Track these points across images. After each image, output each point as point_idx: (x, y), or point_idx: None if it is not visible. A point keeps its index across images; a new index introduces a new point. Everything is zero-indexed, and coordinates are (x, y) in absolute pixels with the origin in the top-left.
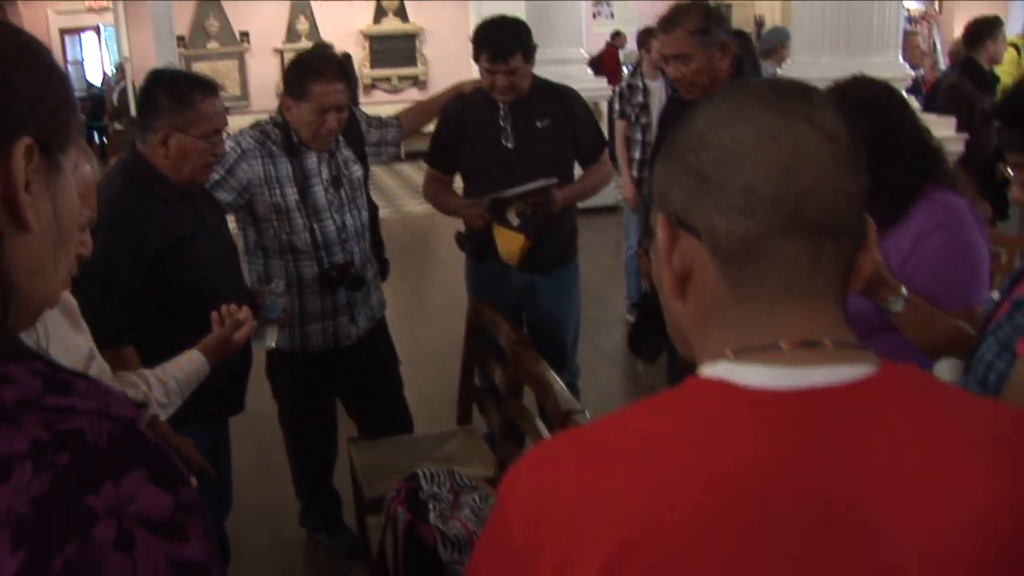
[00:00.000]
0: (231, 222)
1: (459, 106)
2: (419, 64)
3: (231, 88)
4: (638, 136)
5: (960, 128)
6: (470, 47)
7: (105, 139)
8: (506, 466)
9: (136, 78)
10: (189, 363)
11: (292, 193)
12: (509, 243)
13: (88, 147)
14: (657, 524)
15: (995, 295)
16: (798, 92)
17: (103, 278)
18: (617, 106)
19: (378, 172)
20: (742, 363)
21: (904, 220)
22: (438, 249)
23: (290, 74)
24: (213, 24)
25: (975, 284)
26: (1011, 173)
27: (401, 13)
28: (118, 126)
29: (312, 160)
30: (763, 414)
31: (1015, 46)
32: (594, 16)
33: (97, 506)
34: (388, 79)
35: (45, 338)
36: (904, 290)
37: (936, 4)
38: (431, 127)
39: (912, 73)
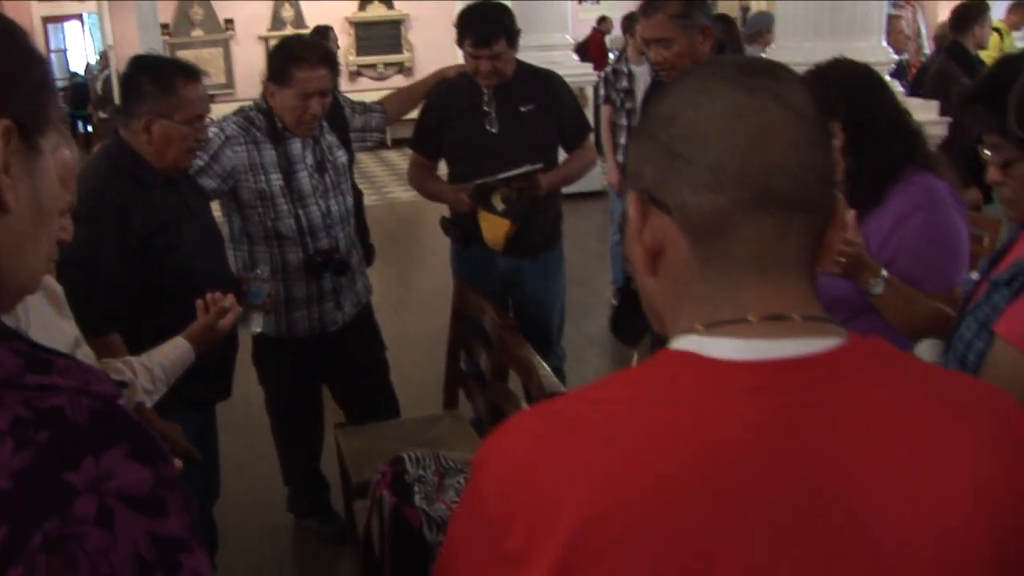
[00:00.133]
0: (216, 209)
1: (443, 91)
2: (405, 51)
3: (216, 76)
4: (623, 121)
5: (944, 112)
6: (455, 33)
7: (90, 128)
8: None
9: (120, 66)
10: (174, 350)
11: (277, 179)
12: (494, 228)
13: (68, 132)
14: (621, 496)
15: (974, 276)
16: (766, 70)
17: (88, 265)
18: (602, 91)
19: (364, 159)
20: (711, 336)
21: (884, 202)
22: (424, 236)
23: (273, 60)
24: (198, 12)
25: (955, 265)
26: (988, 154)
27: (387, 0)
28: (102, 115)
29: (296, 146)
30: (729, 385)
31: (998, 30)
32: (580, 1)
33: (77, 482)
34: (374, 66)
35: (26, 324)
36: (885, 272)
37: None
38: (416, 113)
39: (896, 57)
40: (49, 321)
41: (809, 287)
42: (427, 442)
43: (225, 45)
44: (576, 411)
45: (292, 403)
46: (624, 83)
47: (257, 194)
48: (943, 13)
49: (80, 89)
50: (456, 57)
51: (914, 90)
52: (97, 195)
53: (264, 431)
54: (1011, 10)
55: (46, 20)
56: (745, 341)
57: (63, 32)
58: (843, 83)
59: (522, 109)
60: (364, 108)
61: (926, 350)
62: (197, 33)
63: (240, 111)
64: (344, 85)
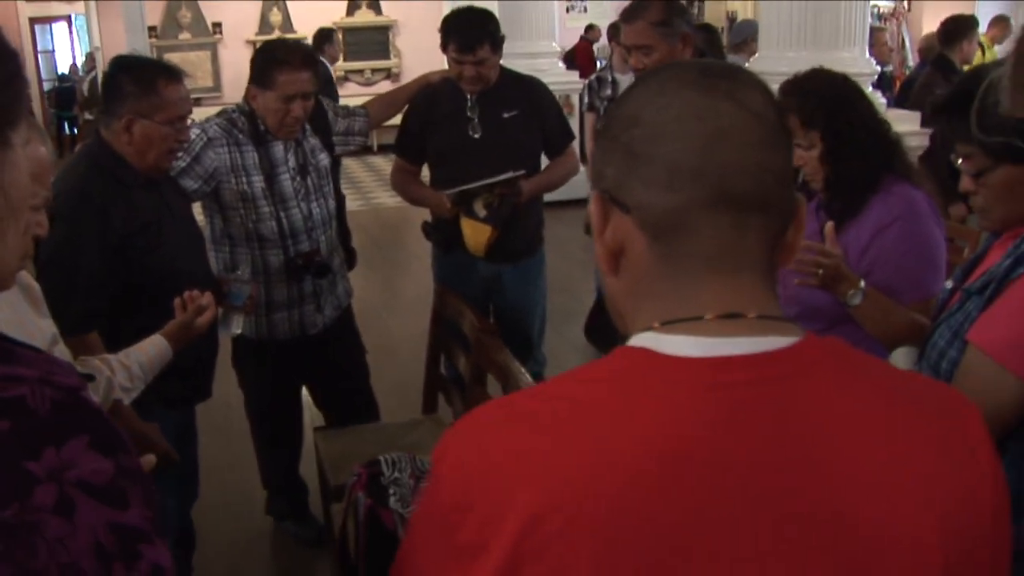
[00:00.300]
0: (198, 210)
1: (427, 96)
2: (392, 56)
3: (203, 79)
4: None
5: (925, 123)
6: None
7: (76, 129)
8: None
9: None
10: (152, 347)
11: (259, 181)
12: (476, 234)
13: (43, 128)
14: (568, 490)
15: (948, 284)
16: (724, 73)
17: (67, 264)
18: (586, 99)
19: (350, 164)
20: (667, 333)
21: (862, 213)
22: (409, 241)
23: (256, 63)
24: (185, 15)
25: (932, 275)
26: (960, 164)
27: (374, 5)
28: (88, 116)
29: (279, 149)
30: (681, 380)
31: (980, 45)
32: (568, 10)
33: (38, 471)
34: (361, 72)
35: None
36: (862, 283)
37: (905, 2)
38: (400, 117)
39: (878, 69)
40: (26, 319)
41: (767, 286)
42: (406, 446)
43: (213, 48)
44: (531, 406)
45: (271, 406)
46: (608, 91)
47: (239, 196)
48: (927, 26)
49: (67, 91)
50: (444, 63)
51: (899, 102)
52: (77, 194)
53: (244, 434)
54: (992, 23)
55: (33, 21)
56: (700, 338)
57: (51, 33)
58: (820, 93)
59: (505, 115)
60: (347, 112)
61: (900, 358)
62: (185, 36)
63: (222, 113)
64: None
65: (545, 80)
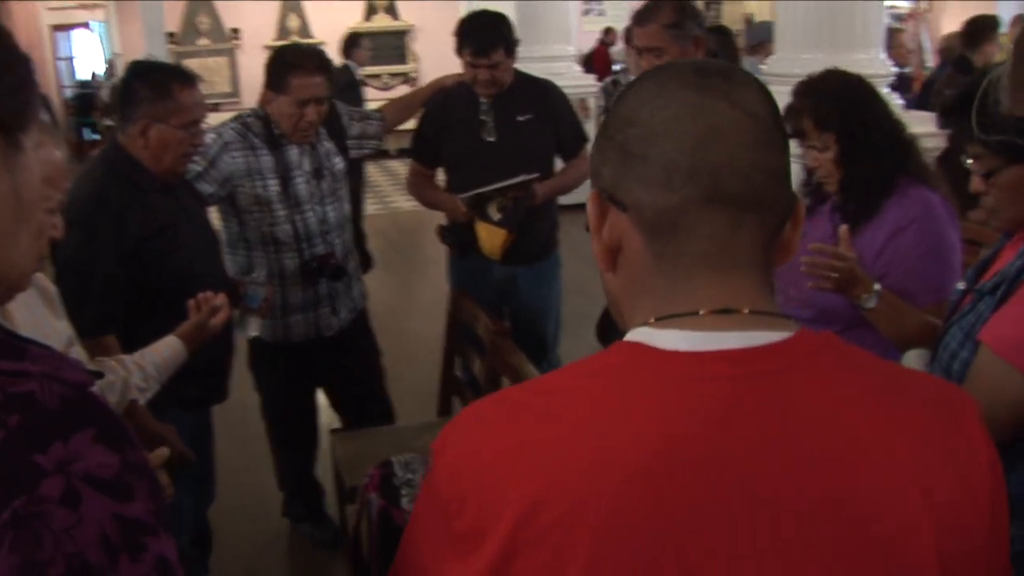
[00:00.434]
0: (214, 215)
1: (441, 100)
2: (410, 61)
3: (221, 85)
4: None
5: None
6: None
7: (96, 135)
8: None
9: None
10: (167, 348)
11: (274, 185)
12: (491, 238)
13: (58, 132)
14: (562, 481)
15: (961, 286)
16: (720, 72)
17: (84, 269)
18: (603, 102)
19: (368, 168)
20: (661, 328)
21: (877, 215)
22: (426, 245)
23: (270, 67)
24: (204, 21)
25: (948, 278)
26: (971, 164)
27: (392, 10)
28: (108, 122)
29: (294, 152)
30: (673, 373)
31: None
32: (585, 13)
33: (45, 463)
34: (379, 76)
35: (11, 324)
36: (877, 286)
37: (924, 2)
38: (414, 121)
39: (895, 70)
40: (42, 320)
41: (762, 283)
42: (420, 448)
43: (231, 54)
44: (527, 399)
45: (287, 408)
46: None
47: (254, 200)
48: (947, 26)
49: (87, 97)
50: (461, 67)
51: (920, 103)
52: (94, 200)
53: (260, 436)
54: (1014, 23)
55: (54, 28)
56: (693, 333)
57: (71, 40)
58: (835, 94)
59: (519, 118)
60: (362, 116)
61: (913, 360)
62: (203, 42)
63: (238, 117)
64: None
65: (561, 83)
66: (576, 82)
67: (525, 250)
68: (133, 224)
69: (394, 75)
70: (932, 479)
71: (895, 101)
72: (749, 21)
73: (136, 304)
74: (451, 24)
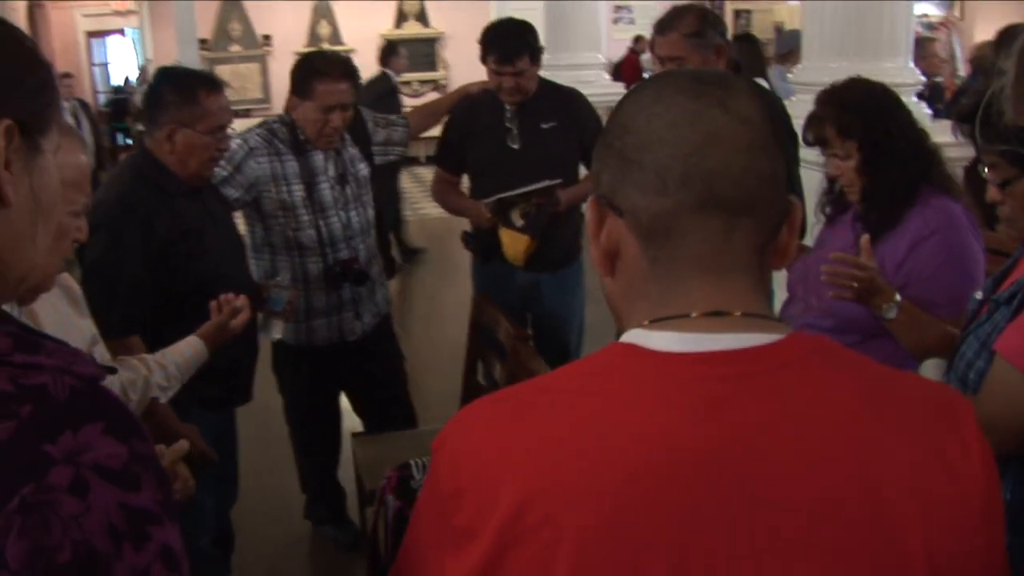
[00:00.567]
0: (239, 219)
1: (466, 107)
2: (440, 68)
3: (252, 91)
4: None
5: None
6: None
7: (129, 140)
8: None
9: None
10: (188, 348)
11: (299, 190)
12: (514, 244)
13: (81, 136)
14: (553, 479)
15: (978, 295)
16: (716, 80)
17: (110, 272)
18: None
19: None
20: (654, 330)
21: (899, 225)
22: (453, 251)
23: (296, 73)
24: (236, 27)
25: (970, 289)
26: (987, 173)
27: (422, 17)
28: (140, 127)
29: (319, 158)
30: (665, 373)
31: None
32: (615, 22)
33: (54, 453)
34: (409, 83)
35: (36, 323)
36: (898, 297)
37: (956, 10)
38: (439, 128)
39: (923, 79)
40: (66, 319)
41: (756, 287)
42: None
43: (262, 60)
44: (524, 398)
45: (310, 411)
46: None
47: (279, 205)
48: (980, 35)
49: (120, 102)
50: None
51: (950, 113)
52: (120, 204)
53: (283, 439)
54: None
55: (90, 34)
56: (684, 334)
57: (105, 46)
58: (858, 103)
59: (544, 126)
60: (387, 122)
61: (930, 369)
62: (235, 48)
63: (263, 123)
64: None
65: (589, 92)
66: (604, 90)
67: (548, 257)
68: (159, 228)
69: (424, 82)
70: (921, 479)
71: (922, 110)
72: (779, 29)
73: (162, 307)
74: (481, 31)
